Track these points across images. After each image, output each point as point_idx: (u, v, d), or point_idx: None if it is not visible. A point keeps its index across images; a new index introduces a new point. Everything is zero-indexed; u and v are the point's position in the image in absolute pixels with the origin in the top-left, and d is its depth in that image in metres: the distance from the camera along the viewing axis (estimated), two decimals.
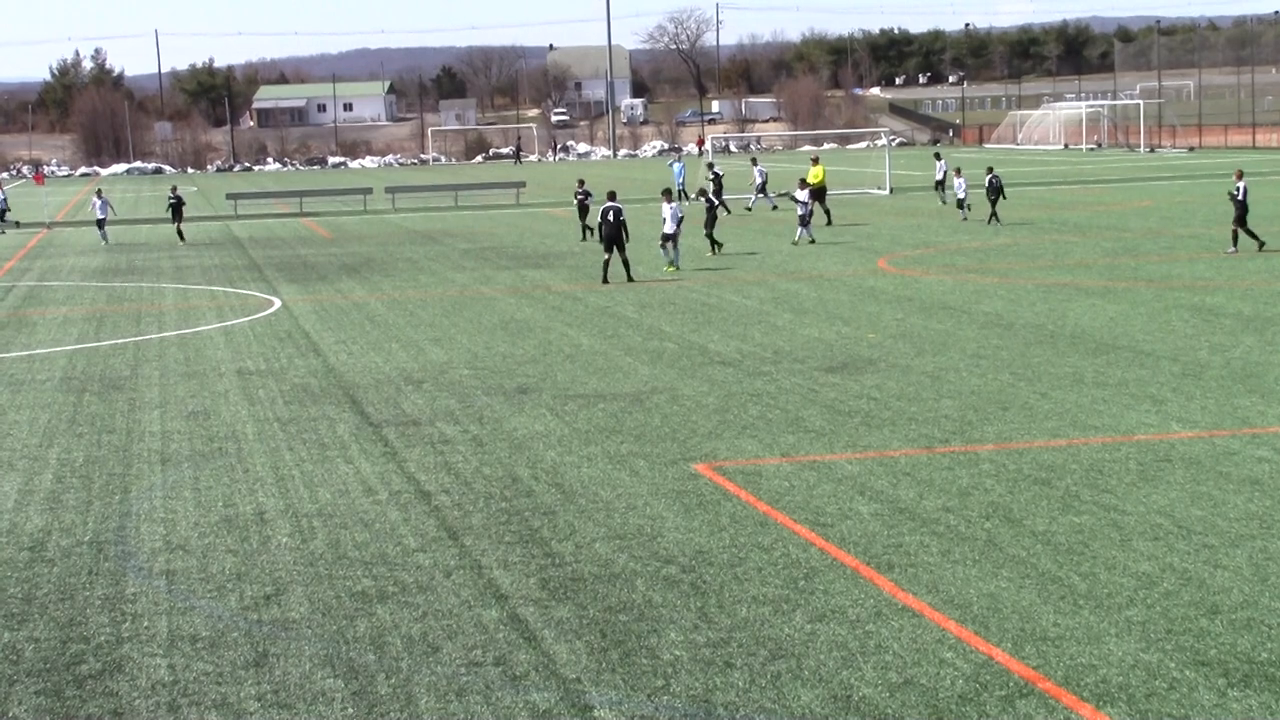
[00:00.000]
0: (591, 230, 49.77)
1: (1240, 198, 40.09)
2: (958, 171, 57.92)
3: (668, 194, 40.50)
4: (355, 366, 26.45)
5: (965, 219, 54.39)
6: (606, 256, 37.89)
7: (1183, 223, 50.60)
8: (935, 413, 20.73)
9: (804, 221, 47.38)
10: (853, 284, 36.18)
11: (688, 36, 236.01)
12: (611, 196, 38.46)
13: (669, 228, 39.50)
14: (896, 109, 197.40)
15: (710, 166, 65.93)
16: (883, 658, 11.66)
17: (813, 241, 47.02)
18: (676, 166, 72.51)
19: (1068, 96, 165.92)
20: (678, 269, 39.85)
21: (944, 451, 18.48)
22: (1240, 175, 41.02)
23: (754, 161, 70.60)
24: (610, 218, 37.37)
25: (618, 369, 25.20)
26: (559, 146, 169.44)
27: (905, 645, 11.91)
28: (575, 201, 53.16)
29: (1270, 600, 12.65)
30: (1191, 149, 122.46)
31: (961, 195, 55.63)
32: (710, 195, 47.00)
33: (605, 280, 37.70)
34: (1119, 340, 26.44)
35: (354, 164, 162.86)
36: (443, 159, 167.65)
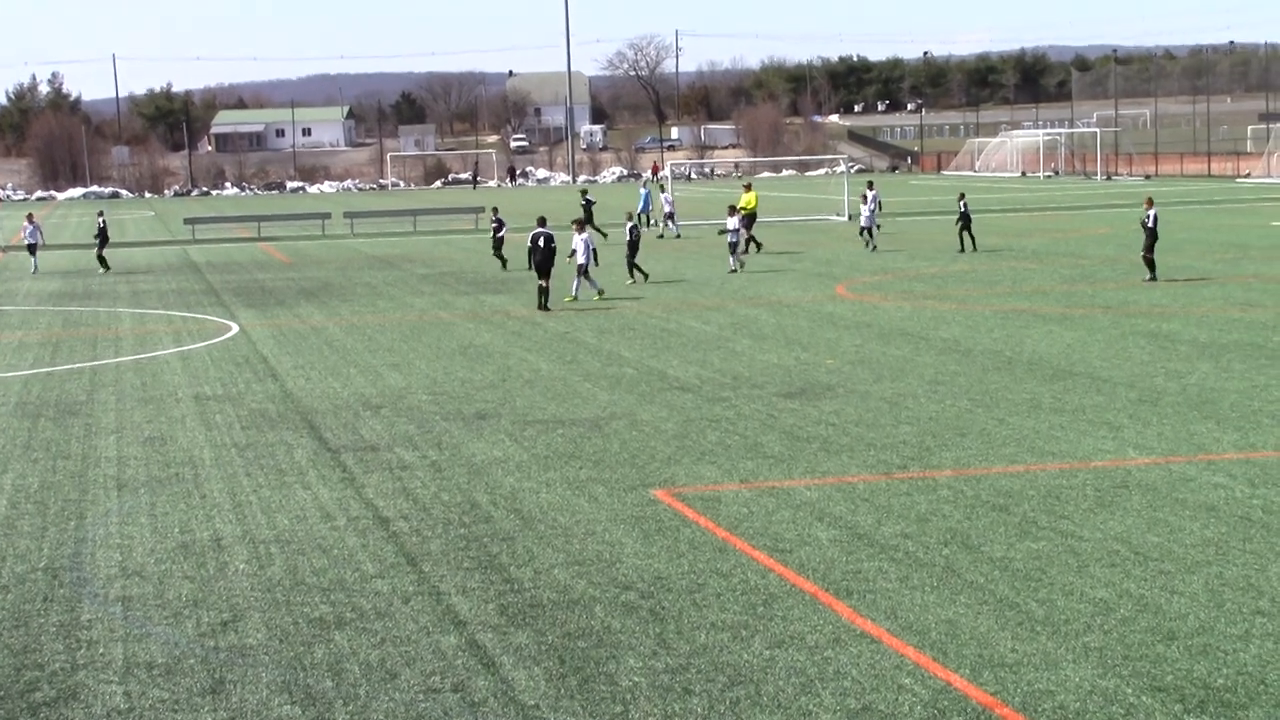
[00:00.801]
0: (505, 261, 49.83)
1: (1151, 225, 39.74)
2: (866, 196, 55.04)
3: (579, 224, 40.10)
4: (313, 392, 26.36)
5: (873, 248, 53.49)
6: (541, 283, 37.78)
7: (1139, 250, 50.80)
8: (893, 439, 20.78)
9: (733, 249, 46.81)
10: (811, 310, 36.26)
11: (647, 63, 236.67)
12: (541, 223, 38.46)
13: (580, 258, 39.18)
14: (855, 136, 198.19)
15: (584, 194, 66.28)
16: (841, 684, 11.66)
17: (741, 268, 46.50)
18: (642, 192, 72.64)
19: (1025, 124, 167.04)
20: (576, 299, 39.15)
21: (902, 477, 18.52)
22: (1150, 203, 40.52)
23: (662, 188, 70.66)
24: (541, 244, 37.38)
25: (577, 394, 25.19)
26: (518, 172, 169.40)
27: (864, 671, 11.92)
28: (491, 230, 52.20)
29: (1226, 626, 12.71)
30: (1148, 177, 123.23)
31: (864, 224, 54.23)
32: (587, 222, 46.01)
33: (543, 307, 37.60)
34: (1076, 367, 26.56)
35: (312, 189, 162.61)
36: (401, 184, 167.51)
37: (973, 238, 52.32)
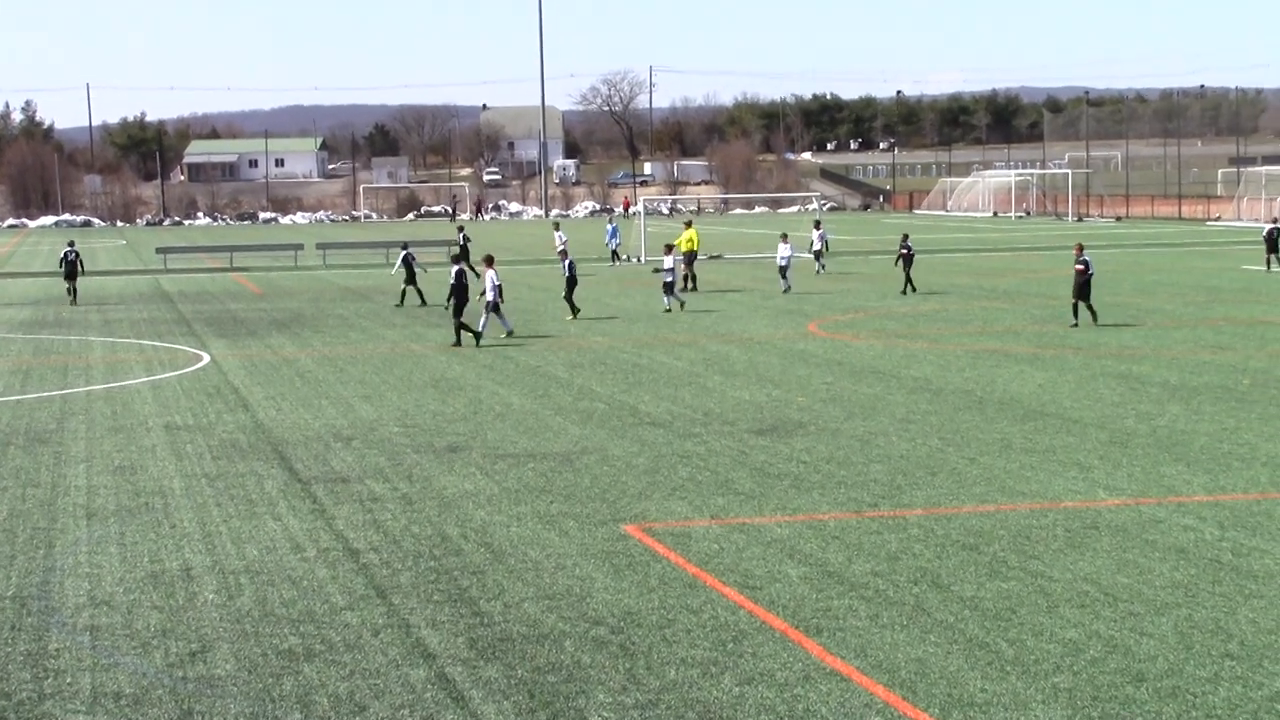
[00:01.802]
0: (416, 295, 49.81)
1: (1088, 271, 39.11)
2: (783, 237, 55.28)
3: (490, 261, 39.82)
4: (284, 423, 26.31)
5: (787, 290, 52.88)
6: (459, 321, 37.84)
7: (1110, 291, 51.08)
8: (864, 477, 20.82)
9: (669, 288, 45.90)
10: (783, 347, 36.32)
11: (621, 98, 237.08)
12: (457, 259, 39.24)
13: (489, 296, 38.72)
14: (828, 174, 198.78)
15: (460, 230, 66.22)
16: None
17: (681, 307, 45.93)
18: (610, 227, 72.79)
19: (997, 164, 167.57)
20: (480, 335, 38.38)
21: (873, 516, 18.55)
22: (1081, 249, 39.65)
23: (556, 226, 70.73)
24: (465, 280, 37.74)
25: (548, 428, 25.18)
26: (489, 206, 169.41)
27: (833, 709, 11.92)
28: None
29: (1195, 668, 12.75)
30: (1119, 218, 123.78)
31: (783, 263, 53.25)
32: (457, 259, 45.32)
33: (459, 344, 37.57)
34: (1047, 407, 26.64)
35: (285, 220, 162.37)
36: (374, 216, 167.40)
37: (911, 281, 51.95)
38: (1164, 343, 36.22)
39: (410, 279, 50.24)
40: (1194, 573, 15.71)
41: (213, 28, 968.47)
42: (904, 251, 52.25)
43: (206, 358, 36.13)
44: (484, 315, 38.83)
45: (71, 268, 54.56)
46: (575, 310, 43.90)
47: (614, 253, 70.88)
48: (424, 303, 49.36)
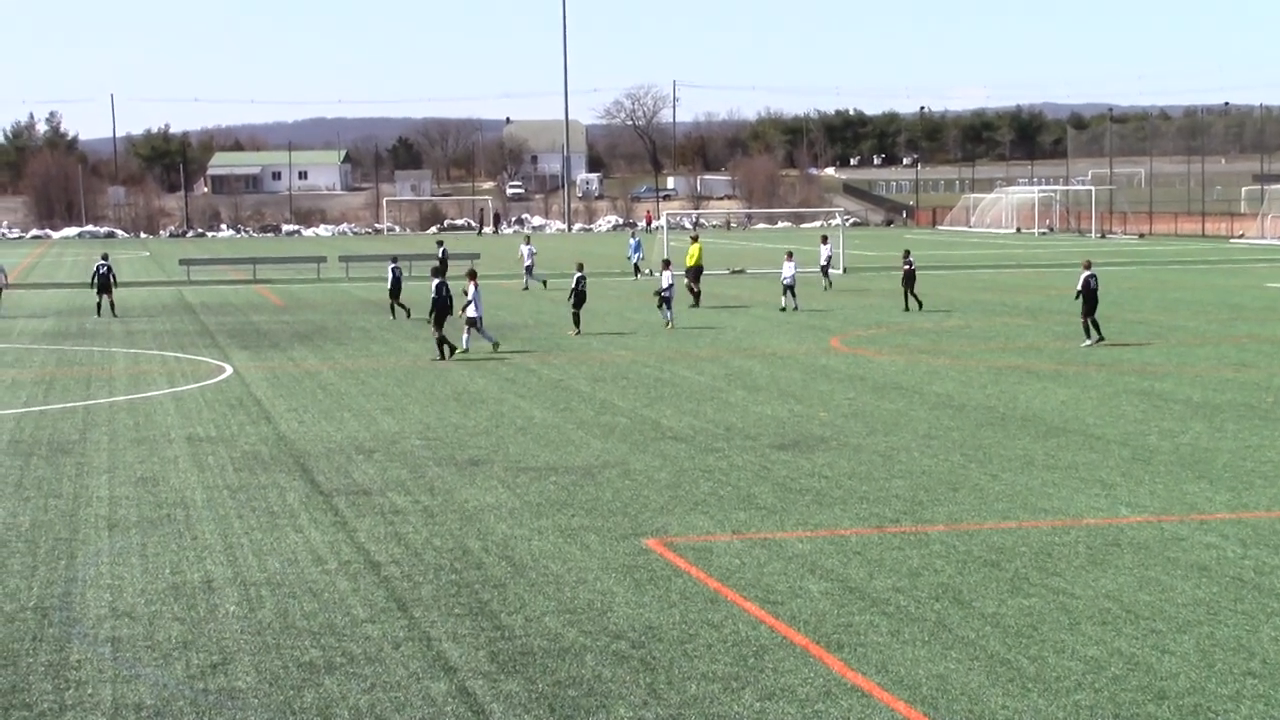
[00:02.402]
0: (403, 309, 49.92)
1: (1093, 288, 38.55)
2: (789, 255, 53.89)
3: (472, 275, 39.65)
4: (306, 435, 26.35)
5: (785, 309, 51.62)
6: (439, 334, 37.93)
7: (1132, 308, 51.01)
8: (886, 492, 20.79)
9: (666, 303, 45.37)
10: (806, 362, 36.30)
11: (644, 113, 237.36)
12: (439, 272, 39.31)
13: (472, 311, 38.46)
14: (851, 189, 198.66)
15: (439, 244, 65.92)
16: None
17: (670, 324, 45.23)
18: (632, 241, 72.85)
19: (1020, 181, 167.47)
20: (467, 350, 38.39)
21: (894, 531, 18.52)
22: (1089, 265, 39.35)
23: (527, 239, 70.70)
24: (444, 294, 37.77)
25: (570, 442, 25.19)
26: (513, 219, 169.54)
27: None
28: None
29: (1216, 687, 12.70)
30: (1142, 235, 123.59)
31: (788, 281, 51.81)
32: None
33: (444, 357, 37.67)
34: (1069, 424, 26.59)
35: (308, 232, 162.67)
36: (397, 229, 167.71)
37: (916, 297, 51.21)
38: (1187, 360, 36.12)
39: (395, 292, 50.35)
40: (1216, 590, 15.66)
41: (237, 40, 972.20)
42: (906, 268, 51.52)
43: (229, 369, 36.21)
44: (465, 330, 38.78)
45: (105, 281, 53.31)
46: (578, 325, 43.78)
47: (636, 267, 70.90)
48: (410, 315, 49.45)
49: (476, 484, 21.73)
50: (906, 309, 50.73)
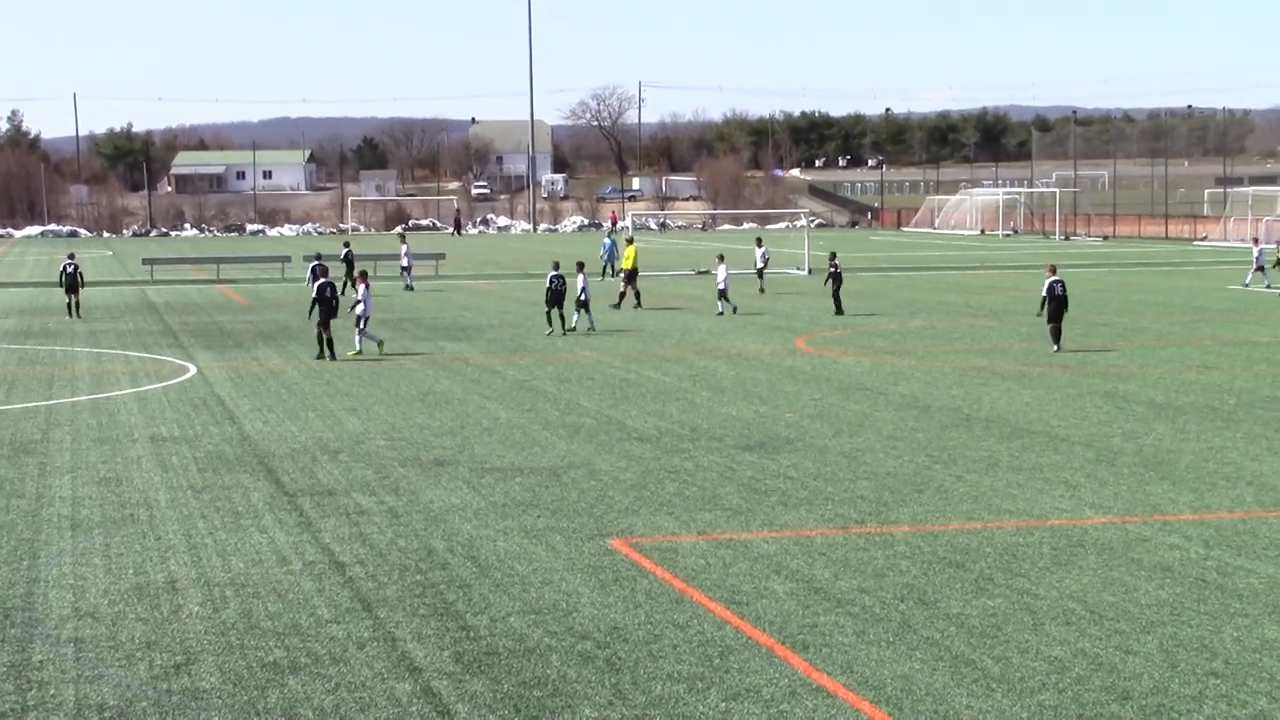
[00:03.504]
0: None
1: (1060, 293, 37.81)
2: (720, 258, 53.18)
3: (364, 276, 39.82)
4: (271, 435, 26.27)
5: (722, 314, 50.58)
6: (324, 333, 38.05)
7: (1096, 310, 51.21)
8: (851, 493, 20.82)
9: (582, 304, 44.51)
10: (771, 363, 36.33)
11: (610, 113, 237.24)
12: (325, 272, 39.76)
13: (358, 310, 38.81)
14: (816, 191, 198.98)
15: (346, 245, 65.85)
16: None
17: (592, 329, 44.38)
18: (606, 242, 72.74)
19: (985, 183, 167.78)
20: (360, 352, 38.61)
21: (860, 532, 18.55)
22: (1054, 270, 38.71)
23: (402, 239, 70.54)
24: (328, 294, 37.94)
25: (535, 443, 25.17)
26: (478, 220, 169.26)
27: None
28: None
29: (1180, 687, 12.76)
30: (1106, 238, 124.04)
31: (722, 285, 51.28)
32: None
33: (328, 356, 37.73)
34: (1034, 425, 26.67)
35: (272, 232, 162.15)
36: (362, 229, 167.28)
37: (838, 300, 50.20)
38: (1150, 362, 36.27)
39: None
40: (1179, 591, 15.73)
41: (201, 39, 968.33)
42: (832, 271, 50.72)
43: (193, 369, 36.07)
44: (355, 332, 38.98)
45: (72, 280, 52.56)
46: (552, 323, 43.72)
47: (606, 268, 70.78)
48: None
49: (442, 485, 21.69)
50: (839, 312, 49.81)
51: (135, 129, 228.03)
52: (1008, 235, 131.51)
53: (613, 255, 70.52)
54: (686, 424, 27.04)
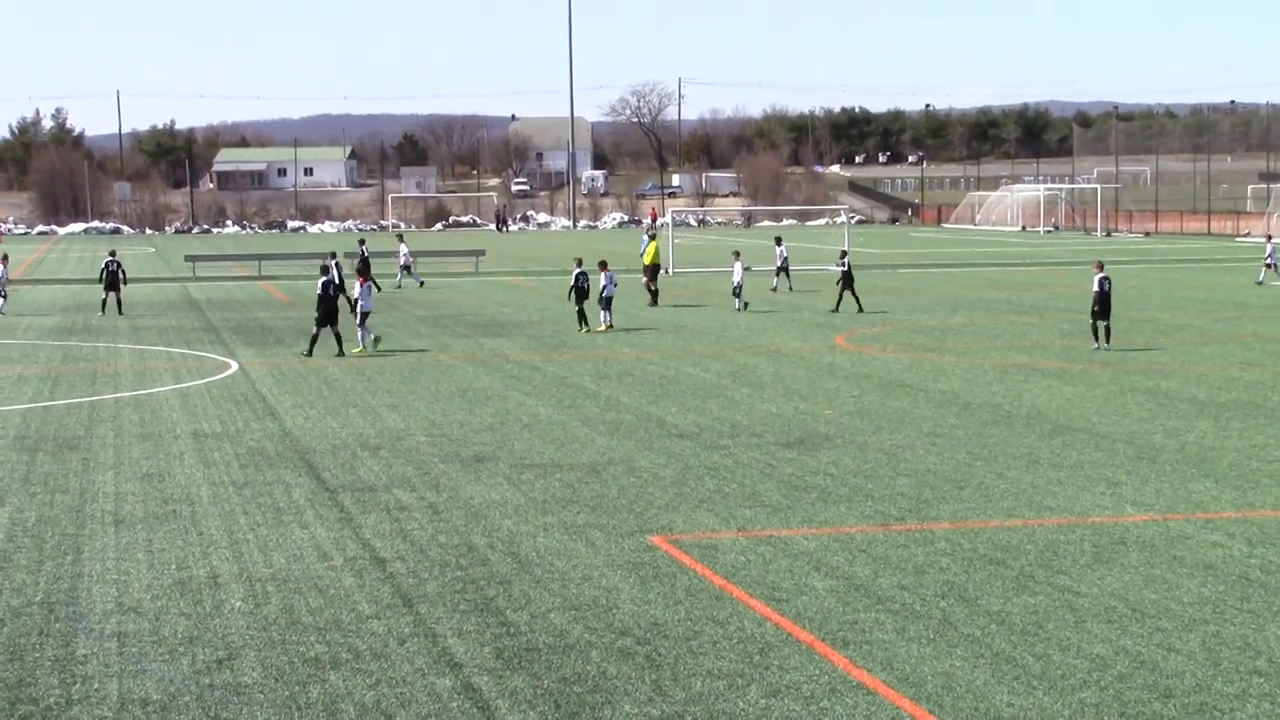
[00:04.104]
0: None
1: (1106, 290, 37.29)
2: (735, 255, 52.83)
3: (363, 273, 39.90)
4: (312, 431, 26.37)
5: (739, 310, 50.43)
6: (322, 331, 38.40)
7: (1138, 307, 50.99)
8: (891, 490, 20.79)
9: (607, 303, 44.22)
10: (811, 360, 36.30)
11: (649, 110, 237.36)
12: (326, 270, 39.68)
13: (363, 306, 39.13)
14: (856, 187, 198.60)
15: (361, 243, 65.60)
16: None
17: (609, 326, 43.98)
18: (645, 239, 72.62)
19: (1026, 179, 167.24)
20: (366, 349, 38.87)
21: (900, 529, 18.52)
22: (1101, 267, 38.16)
23: (399, 237, 70.35)
24: (331, 292, 38.34)
25: (575, 439, 25.19)
26: (518, 216, 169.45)
27: None
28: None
29: (1223, 685, 12.70)
30: (1147, 234, 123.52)
31: (738, 281, 50.96)
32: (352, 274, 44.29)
33: (325, 353, 38.12)
34: (1075, 422, 26.58)
35: (314, 229, 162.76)
36: (403, 225, 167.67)
37: (856, 298, 49.87)
38: (1192, 358, 36.11)
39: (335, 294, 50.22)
40: (1222, 589, 15.66)
41: (243, 37, 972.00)
42: (843, 269, 50.42)
43: (234, 366, 36.23)
44: (358, 329, 39.33)
45: (113, 278, 52.10)
46: (584, 321, 43.67)
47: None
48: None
49: (482, 481, 21.74)
50: (837, 310, 49.37)
51: (178, 126, 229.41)
52: (1049, 231, 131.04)
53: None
54: (726, 420, 27.04)
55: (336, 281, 38.82)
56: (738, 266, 51.22)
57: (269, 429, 26.69)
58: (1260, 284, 61.44)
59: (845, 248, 53.63)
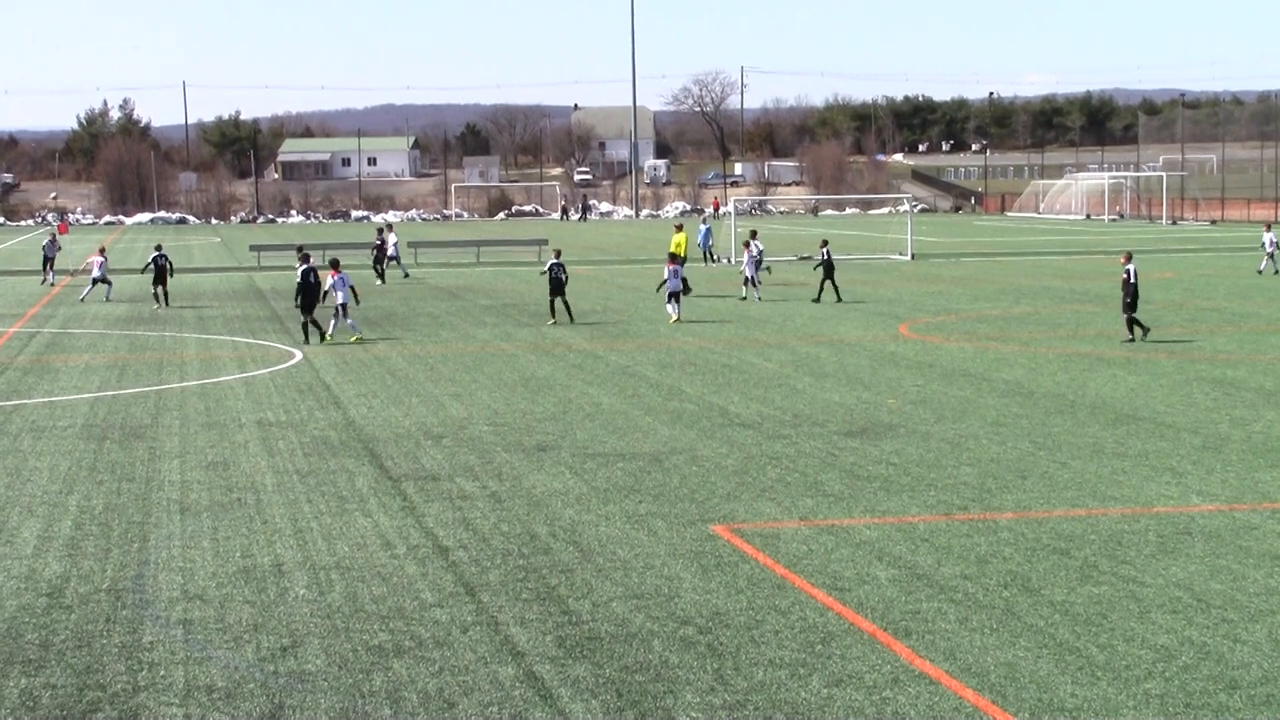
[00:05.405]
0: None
1: (1131, 281, 36.93)
2: (752, 237, 52.44)
3: (335, 265, 40.08)
4: (375, 420, 26.49)
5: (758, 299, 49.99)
6: (308, 319, 39.17)
7: (1204, 295, 50.61)
8: (954, 479, 20.71)
9: (674, 297, 43.55)
10: (873, 349, 36.19)
11: (712, 99, 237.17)
12: (306, 259, 40.58)
13: (339, 298, 39.35)
14: (919, 175, 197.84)
15: (379, 231, 65.63)
16: None
17: (678, 320, 43.23)
18: (703, 227, 72.69)
19: (1090, 167, 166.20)
20: (362, 338, 39.35)
21: (963, 519, 18.45)
22: (1129, 258, 37.67)
23: (389, 226, 70.10)
24: (313, 280, 39.01)
25: (637, 428, 25.21)
26: (580, 205, 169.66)
27: (922, 712, 11.88)
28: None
29: None
30: (1214, 222, 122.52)
31: (750, 273, 50.55)
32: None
33: (319, 340, 38.87)
34: (1139, 411, 26.41)
35: (377, 218, 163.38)
36: (465, 215, 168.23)
37: (836, 288, 49.58)
38: (1260, 348, 35.80)
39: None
40: None
41: (307, 27, 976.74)
42: (824, 258, 50.08)
43: (299, 355, 36.43)
44: (334, 318, 39.75)
45: (160, 272, 52.02)
46: (566, 312, 43.37)
47: (706, 253, 70.70)
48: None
49: (544, 470, 21.79)
50: (818, 300, 49.13)
51: (243, 117, 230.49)
52: (1114, 220, 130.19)
53: (709, 241, 70.45)
54: (788, 410, 27.00)
55: (310, 269, 39.40)
56: (747, 254, 50.99)
57: (333, 418, 26.83)
58: (1260, 273, 60.90)
59: (826, 239, 52.74)
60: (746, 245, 52.01)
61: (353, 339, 39.17)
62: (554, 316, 43.37)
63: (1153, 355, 34.29)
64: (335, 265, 40.08)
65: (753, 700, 12.20)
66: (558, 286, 43.23)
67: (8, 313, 50.17)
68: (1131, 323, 37.25)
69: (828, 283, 49.95)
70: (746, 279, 50.81)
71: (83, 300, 53.65)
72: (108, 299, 54.16)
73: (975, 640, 13.61)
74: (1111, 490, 19.99)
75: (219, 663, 13.31)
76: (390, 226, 70.90)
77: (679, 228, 56.68)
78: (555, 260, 43.62)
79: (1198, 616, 14.26)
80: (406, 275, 64.94)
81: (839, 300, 49.16)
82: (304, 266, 39.55)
